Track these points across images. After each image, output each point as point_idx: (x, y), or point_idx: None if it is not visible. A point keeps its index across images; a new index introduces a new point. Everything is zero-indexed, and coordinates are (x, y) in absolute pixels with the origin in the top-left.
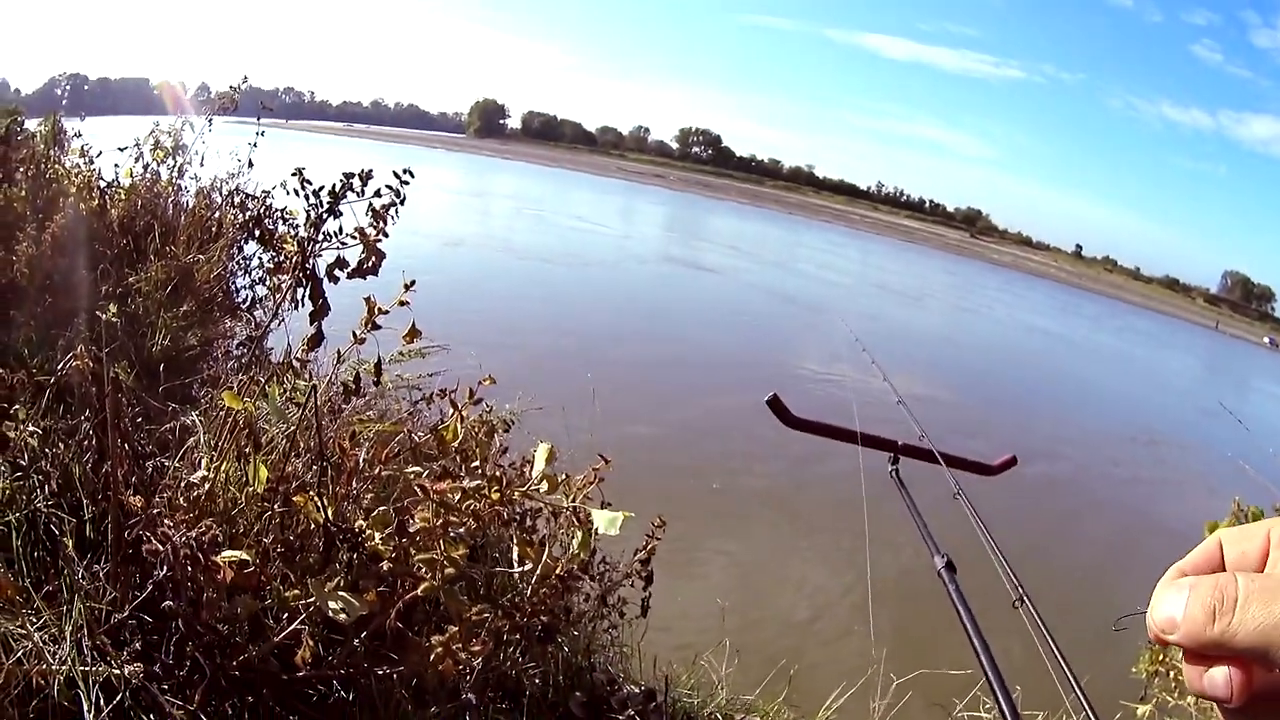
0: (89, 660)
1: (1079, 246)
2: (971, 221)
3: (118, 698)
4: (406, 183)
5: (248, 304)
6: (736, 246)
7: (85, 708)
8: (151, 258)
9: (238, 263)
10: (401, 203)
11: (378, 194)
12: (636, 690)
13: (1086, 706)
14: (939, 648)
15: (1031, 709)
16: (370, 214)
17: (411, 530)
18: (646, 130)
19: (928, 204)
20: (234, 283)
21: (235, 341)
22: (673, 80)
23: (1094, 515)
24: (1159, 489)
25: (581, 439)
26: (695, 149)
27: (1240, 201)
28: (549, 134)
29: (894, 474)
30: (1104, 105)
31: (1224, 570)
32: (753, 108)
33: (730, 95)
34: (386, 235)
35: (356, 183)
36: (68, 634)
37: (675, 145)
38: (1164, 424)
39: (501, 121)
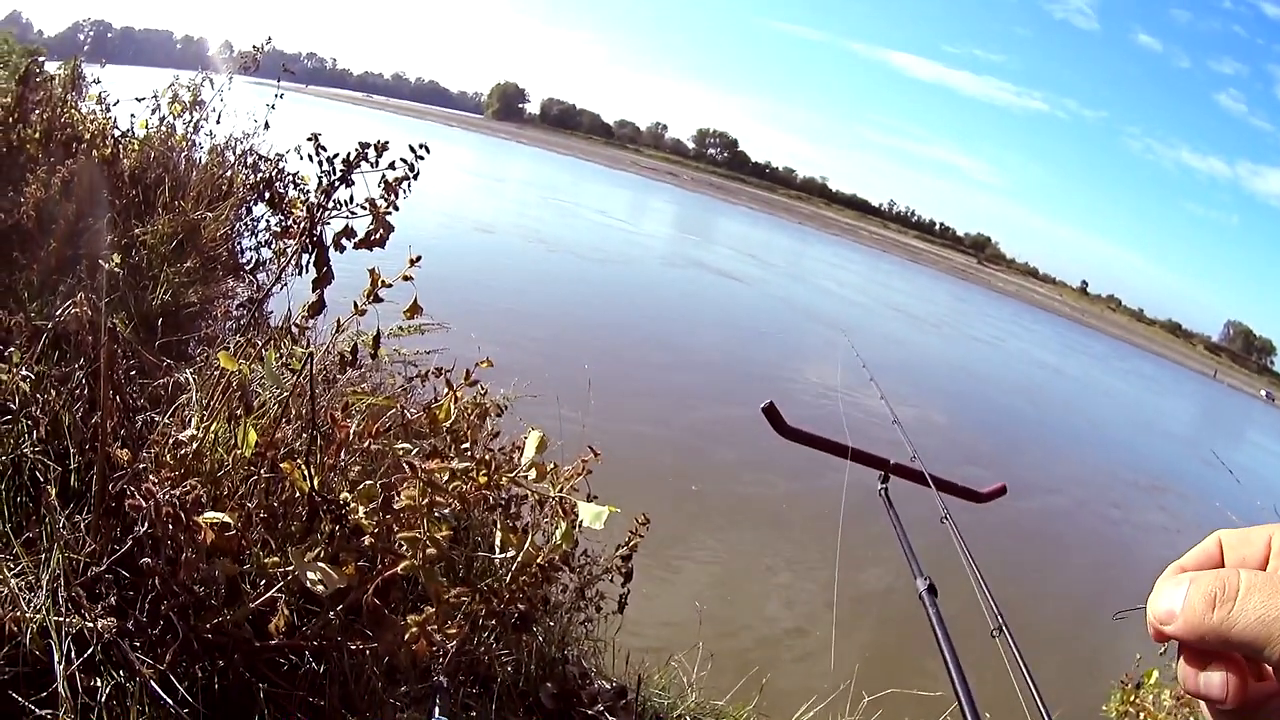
0: (63, 611)
1: (1085, 283)
2: (980, 247)
3: (89, 651)
4: (422, 158)
5: (251, 266)
6: (754, 254)
7: (56, 658)
8: (159, 211)
9: (245, 224)
10: (415, 177)
11: (391, 166)
12: (608, 686)
13: None
14: (914, 668)
15: None
16: (382, 185)
17: (396, 507)
18: (664, 127)
19: (938, 226)
20: (240, 243)
21: (236, 302)
22: (695, 79)
23: (1084, 552)
24: (1153, 534)
25: (577, 430)
26: (711, 150)
27: (1250, 253)
28: (566, 122)
29: (883, 493)
30: (1123, 145)
31: None
32: (772, 114)
33: (751, 100)
34: (397, 208)
35: (371, 153)
36: (44, 583)
37: (691, 145)
38: (1162, 470)
39: (520, 105)
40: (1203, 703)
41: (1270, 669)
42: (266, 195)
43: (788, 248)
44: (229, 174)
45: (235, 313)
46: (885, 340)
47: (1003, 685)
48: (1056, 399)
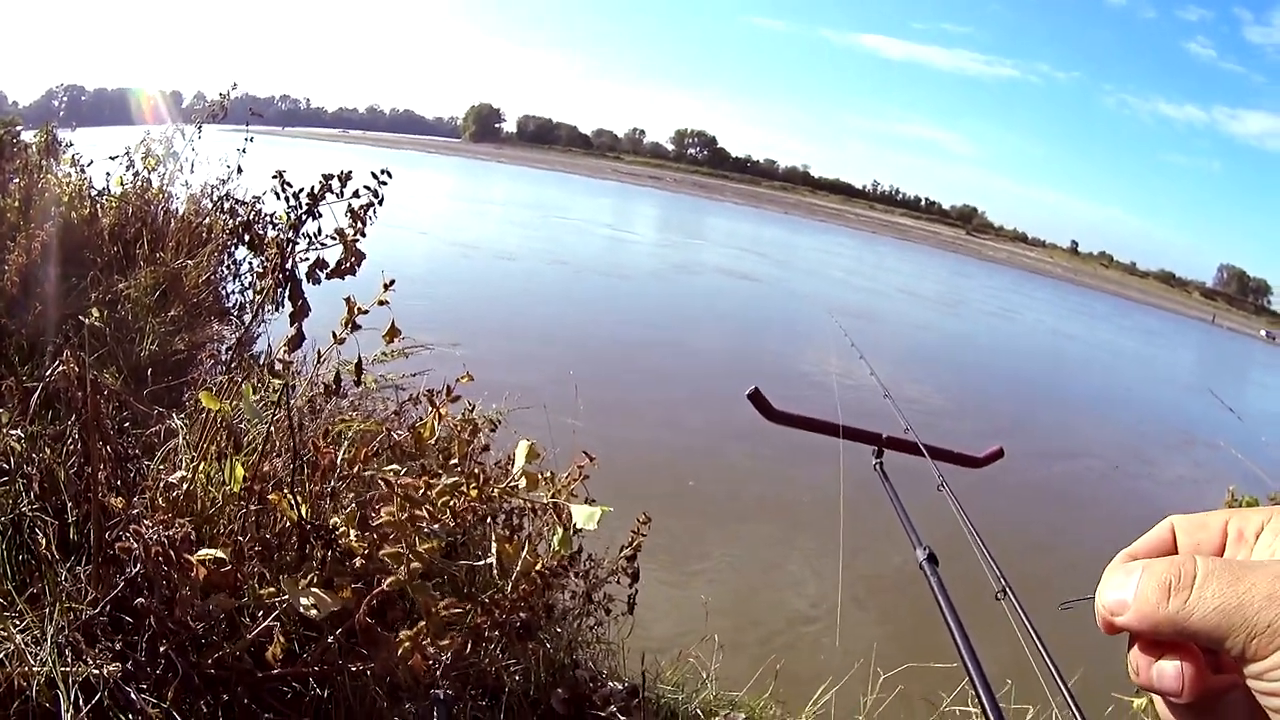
0: (69, 661)
1: (1075, 243)
2: (967, 219)
3: (96, 697)
4: (385, 183)
5: (237, 308)
6: (748, 249)
7: (64, 708)
8: (140, 264)
9: (227, 267)
10: (380, 203)
11: (356, 195)
12: (620, 687)
13: (1068, 698)
14: (930, 641)
15: (1024, 703)
16: (349, 214)
17: (375, 524)
18: (642, 132)
19: (923, 202)
20: (224, 287)
21: (225, 345)
22: (669, 83)
23: (1100, 510)
24: (1170, 487)
25: (577, 438)
26: (691, 150)
27: (1235, 196)
28: (544, 137)
29: (878, 467)
30: (1097, 103)
31: None
32: (748, 109)
33: (726, 97)
34: (364, 235)
35: (336, 184)
36: (49, 635)
37: (671, 147)
38: (1174, 422)
39: (497, 125)
40: (1157, 696)
41: (1231, 660)
42: (246, 238)
43: (777, 239)
44: (207, 221)
45: (224, 356)
46: (903, 323)
47: (1020, 649)
48: (1071, 362)
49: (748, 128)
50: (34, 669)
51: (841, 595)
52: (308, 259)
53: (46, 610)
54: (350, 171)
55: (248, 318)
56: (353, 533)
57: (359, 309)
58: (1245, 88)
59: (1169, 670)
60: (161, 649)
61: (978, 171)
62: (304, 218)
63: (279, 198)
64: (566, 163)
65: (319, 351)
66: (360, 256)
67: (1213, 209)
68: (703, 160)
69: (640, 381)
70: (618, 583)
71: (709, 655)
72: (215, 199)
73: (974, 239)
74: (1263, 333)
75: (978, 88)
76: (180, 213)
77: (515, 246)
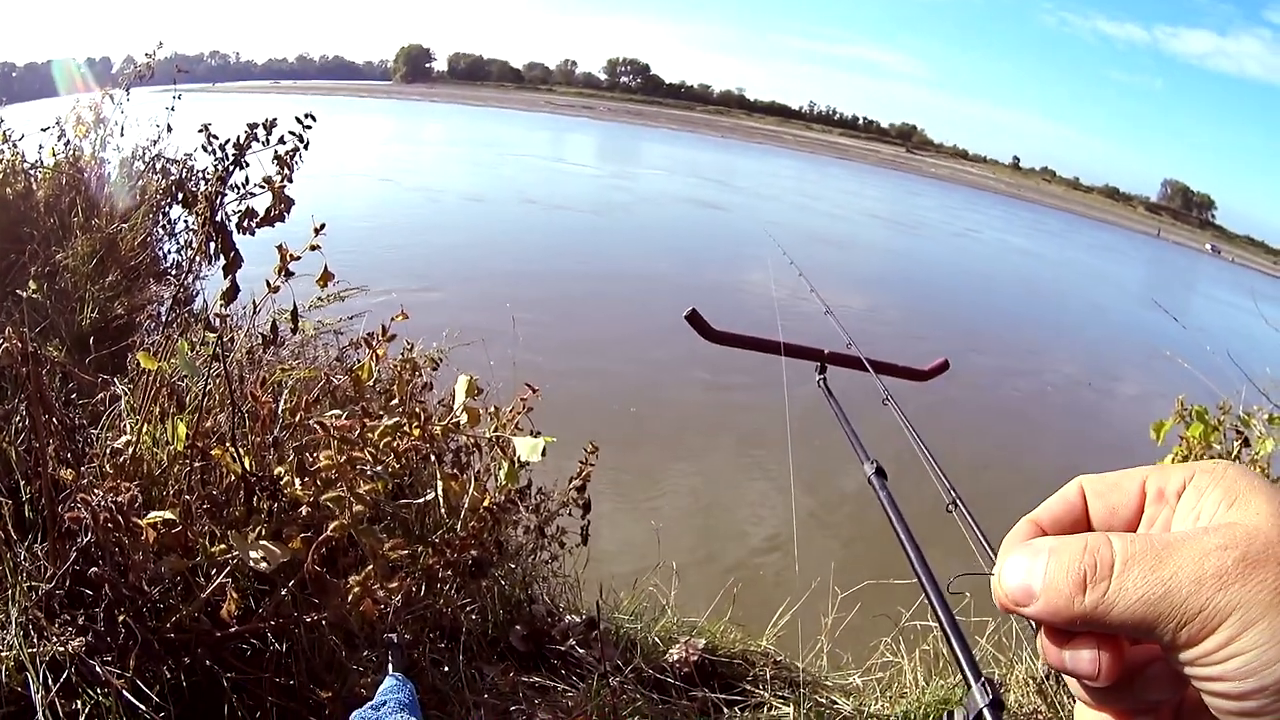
0: (34, 642)
1: (1016, 158)
2: (906, 136)
3: (64, 675)
4: (309, 127)
5: (175, 268)
6: (684, 173)
7: (33, 689)
8: (77, 233)
9: (163, 228)
10: (306, 147)
11: (282, 141)
12: (578, 620)
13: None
14: (886, 558)
15: (983, 616)
16: (276, 161)
17: (314, 469)
18: (574, 64)
19: (861, 121)
20: (161, 248)
21: (164, 306)
22: (601, 7)
23: (1058, 422)
24: (1124, 401)
25: (522, 370)
26: (624, 78)
27: (1177, 114)
28: (476, 74)
29: (822, 383)
30: (1038, 21)
31: (1088, 527)
32: (683, 33)
33: (659, 22)
34: (291, 181)
35: (261, 133)
36: (13, 618)
37: (604, 76)
38: (1121, 335)
39: (428, 65)
40: (1070, 678)
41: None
42: (179, 196)
43: (717, 163)
44: (140, 183)
45: (164, 316)
46: (903, 255)
47: (971, 563)
48: (1034, 280)
49: (683, 50)
50: (1, 654)
51: (796, 513)
52: (239, 210)
53: (9, 592)
54: (275, 119)
55: (185, 276)
56: (297, 481)
57: (291, 255)
58: (1186, 6)
59: (1084, 657)
60: (120, 617)
61: (917, 89)
62: (231, 169)
63: (206, 151)
64: (499, 98)
65: (254, 302)
66: (289, 203)
67: (1155, 126)
68: (636, 88)
69: (585, 312)
70: (570, 514)
71: (668, 584)
72: (147, 160)
73: (914, 157)
74: (1208, 246)
75: (918, 4)
76: (113, 178)
77: (468, 187)
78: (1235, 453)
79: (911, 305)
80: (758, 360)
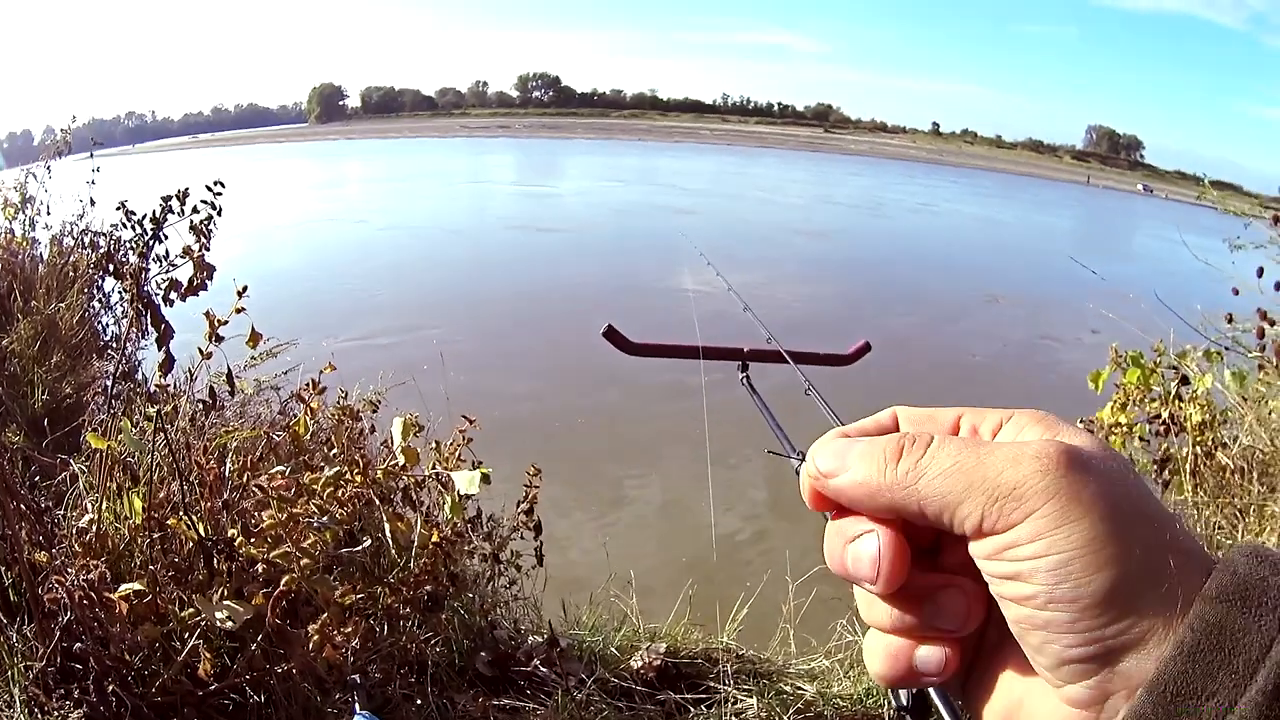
0: (39, 718)
1: (936, 124)
2: (823, 116)
3: None
4: (219, 194)
5: (115, 340)
6: (610, 179)
7: None
8: (19, 317)
9: (99, 302)
10: (219, 213)
11: (196, 210)
12: (540, 640)
13: None
14: None
15: None
16: (192, 231)
17: (259, 530)
18: (485, 84)
19: (776, 107)
20: (100, 323)
21: (110, 381)
22: (507, 24)
23: (988, 393)
24: (1067, 362)
25: (457, 402)
26: (536, 93)
27: (1095, 58)
28: (389, 106)
29: (745, 380)
30: None
31: None
32: (590, 41)
33: (566, 33)
34: (209, 249)
35: (175, 204)
36: (16, 697)
37: (516, 93)
38: (1046, 288)
39: (341, 103)
40: (858, 591)
41: (963, 534)
42: (110, 269)
43: (635, 166)
44: (73, 260)
45: (110, 391)
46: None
47: None
48: (974, 245)
49: (592, 58)
50: None
51: (755, 509)
52: (165, 282)
53: (9, 673)
54: (187, 189)
55: (125, 348)
56: (251, 542)
57: (219, 321)
58: None
59: (865, 555)
60: (109, 688)
61: (829, 68)
62: (151, 243)
63: (125, 227)
64: (415, 128)
65: (190, 371)
66: (210, 270)
67: (1074, 74)
68: (549, 101)
69: (520, 332)
70: (522, 538)
71: (628, 593)
72: (75, 236)
73: (833, 135)
74: (1140, 186)
75: None
76: (45, 256)
77: (390, 219)
78: (1174, 392)
79: (852, 288)
80: (702, 365)
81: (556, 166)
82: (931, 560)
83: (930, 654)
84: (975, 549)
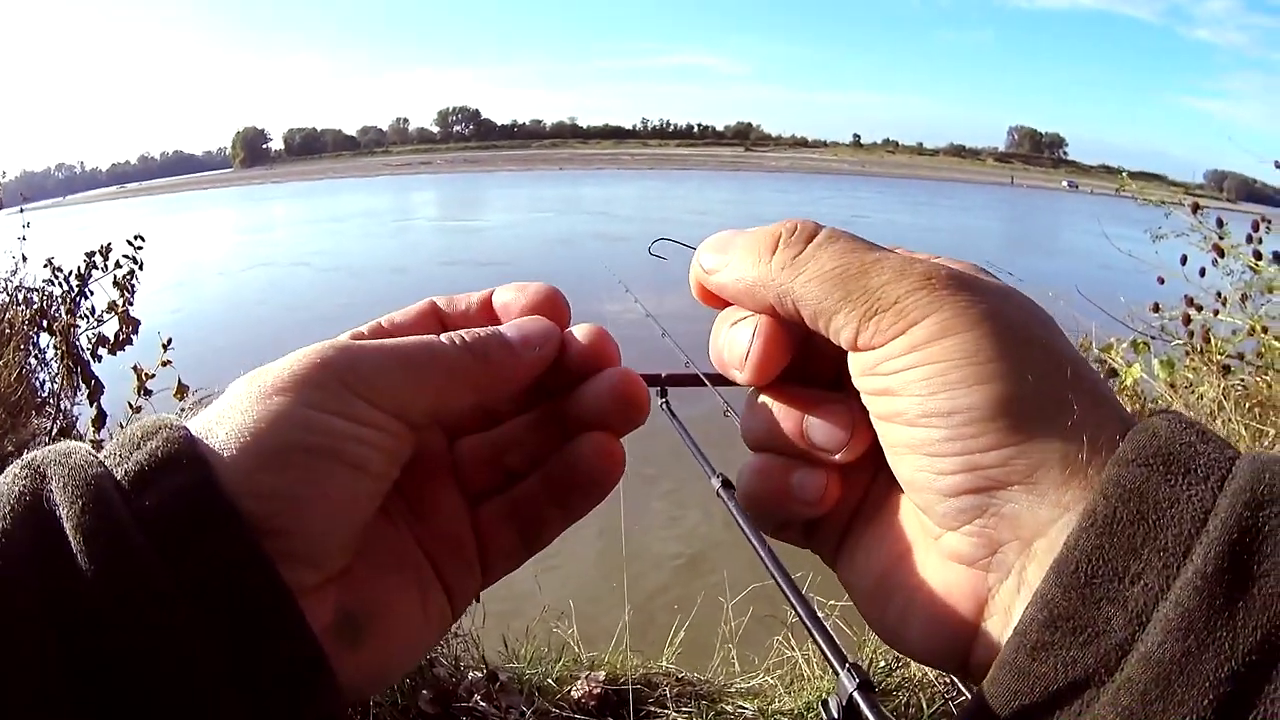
0: None
1: (857, 136)
2: (744, 135)
3: None
4: (140, 248)
5: (52, 396)
6: (547, 212)
7: None
8: None
9: (35, 358)
10: (140, 268)
11: (119, 265)
12: (480, 675)
13: None
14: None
15: (845, 601)
16: (116, 286)
17: None
18: (405, 121)
19: (696, 128)
20: (36, 379)
21: (49, 437)
22: (426, 61)
23: None
24: None
25: None
26: (457, 127)
27: (1013, 60)
28: (312, 147)
29: (664, 406)
30: None
31: None
32: (508, 74)
33: (484, 66)
34: (133, 304)
35: (99, 259)
36: None
37: (436, 129)
38: None
39: (264, 146)
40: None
41: (840, 343)
42: (44, 324)
43: (561, 196)
44: (7, 317)
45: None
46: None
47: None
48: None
49: (511, 91)
50: None
51: (697, 533)
52: (94, 337)
53: None
54: (109, 245)
55: (61, 403)
56: None
57: (146, 374)
58: None
59: (741, 336)
60: None
61: (748, 87)
62: (78, 299)
63: (53, 284)
64: (338, 168)
65: (122, 425)
66: (135, 324)
67: (992, 77)
68: (470, 135)
69: None
70: None
71: (565, 624)
72: (10, 292)
73: (754, 154)
74: (1064, 183)
75: (737, 2)
76: None
77: (327, 260)
78: None
79: None
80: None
81: (484, 200)
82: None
83: (808, 477)
84: (852, 365)
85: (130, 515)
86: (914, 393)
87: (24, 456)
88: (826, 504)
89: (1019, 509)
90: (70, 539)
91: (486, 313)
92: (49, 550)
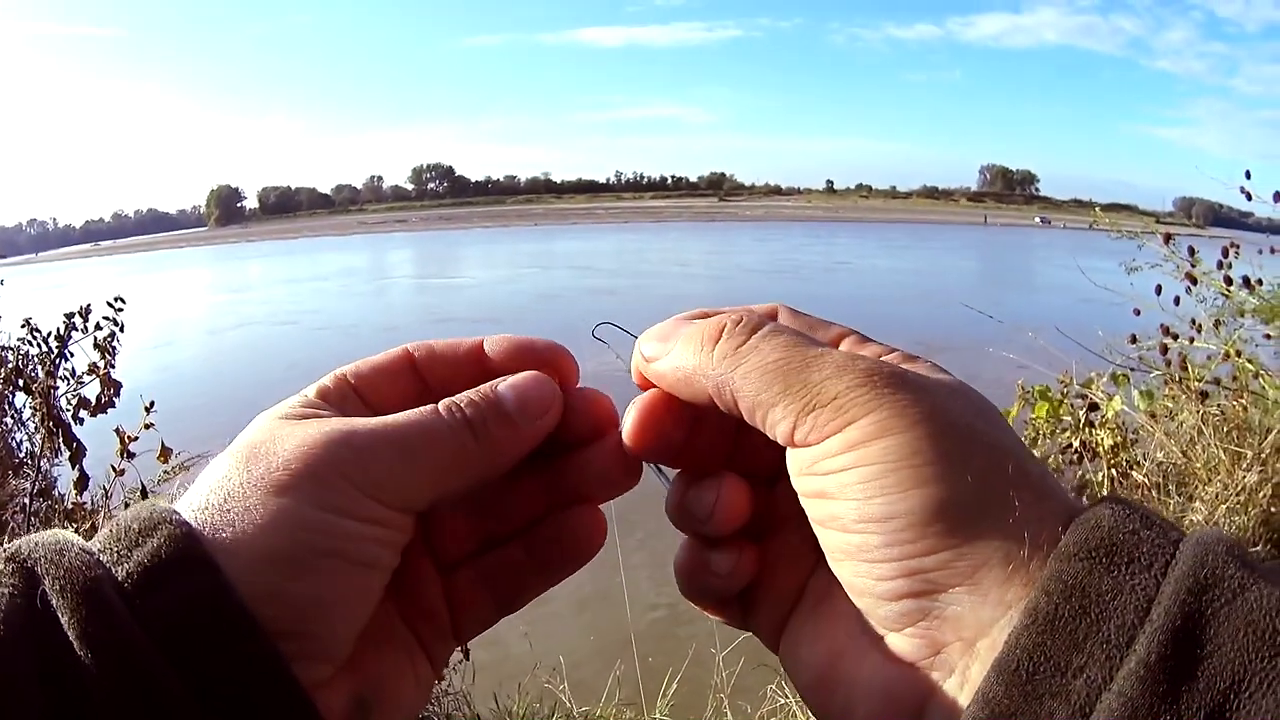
0: None
1: (830, 182)
2: (717, 185)
3: None
4: (121, 310)
5: (29, 456)
6: (503, 268)
7: None
8: None
9: (12, 418)
10: (121, 330)
11: (98, 327)
12: None
13: None
14: None
15: None
16: (97, 349)
17: None
18: (380, 179)
19: (670, 180)
20: (13, 439)
21: (28, 498)
22: (399, 120)
23: None
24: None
25: None
26: (431, 185)
27: (982, 99)
28: (287, 206)
29: (654, 466)
30: (828, 43)
31: None
32: (481, 130)
33: (456, 123)
34: (114, 366)
35: (78, 320)
36: None
37: (411, 187)
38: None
39: (239, 205)
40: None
41: (777, 439)
42: (20, 384)
43: (543, 251)
44: None
45: (29, 508)
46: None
47: None
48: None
49: (485, 147)
50: None
51: (637, 592)
52: (74, 399)
53: None
54: (89, 305)
55: (40, 464)
56: None
57: (129, 437)
58: None
59: (707, 496)
60: None
61: (721, 137)
62: (57, 361)
63: (32, 344)
64: (313, 227)
65: (104, 488)
66: (117, 387)
67: (962, 117)
68: (444, 192)
69: None
70: None
71: (557, 680)
72: None
73: (729, 203)
74: (1036, 219)
75: (704, 55)
76: None
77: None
78: (1084, 420)
79: None
80: None
81: (463, 257)
82: (769, 490)
83: (719, 553)
84: (790, 463)
85: (137, 623)
86: (850, 496)
87: (6, 548)
88: (737, 579)
89: (961, 610)
90: (76, 649)
91: (475, 366)
92: (53, 662)
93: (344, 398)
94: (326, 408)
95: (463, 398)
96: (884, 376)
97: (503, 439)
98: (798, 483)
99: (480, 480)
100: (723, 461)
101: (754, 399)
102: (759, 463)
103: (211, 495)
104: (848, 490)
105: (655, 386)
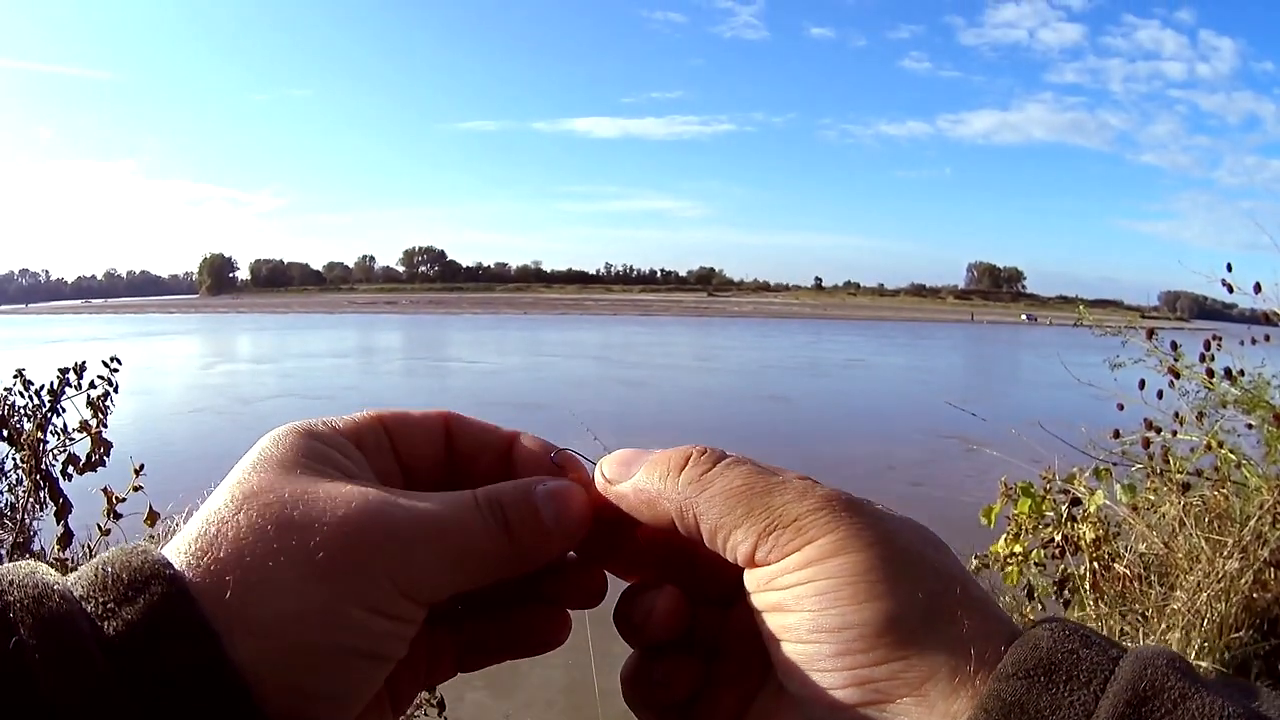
0: None
1: (818, 279)
2: (706, 280)
3: None
4: (116, 370)
5: (9, 508)
6: (487, 360)
7: None
8: None
9: None
10: (115, 390)
11: (93, 385)
12: None
13: None
14: None
15: None
16: (89, 406)
17: None
18: (372, 259)
19: (659, 274)
20: None
21: (7, 552)
22: (391, 202)
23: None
24: (957, 492)
25: None
26: (422, 267)
27: (971, 196)
28: (278, 280)
29: None
30: (819, 139)
31: None
32: (473, 215)
33: (448, 205)
34: (106, 425)
35: (72, 376)
36: None
37: (402, 268)
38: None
39: (231, 275)
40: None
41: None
42: (4, 434)
43: (517, 339)
44: None
45: (11, 560)
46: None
47: None
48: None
49: (476, 233)
50: None
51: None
52: (63, 455)
53: None
54: (84, 363)
55: (20, 518)
56: None
57: (116, 498)
58: (965, 90)
59: (659, 603)
60: None
61: (711, 231)
62: (49, 415)
63: (23, 396)
64: (303, 303)
65: (87, 546)
66: (107, 446)
67: (951, 213)
68: (435, 276)
69: None
70: (425, 715)
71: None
72: None
73: (717, 299)
74: (1023, 316)
75: (696, 149)
76: None
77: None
78: (1066, 515)
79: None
80: None
81: (457, 341)
82: (722, 612)
83: (659, 665)
84: (748, 581)
85: (124, 688)
86: (806, 608)
87: None
88: (674, 690)
89: None
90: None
91: (502, 462)
92: None
93: (378, 444)
94: (355, 454)
95: (502, 495)
96: (842, 502)
97: (534, 548)
98: (755, 598)
99: (499, 580)
100: (671, 578)
101: (716, 522)
102: (712, 586)
103: (225, 550)
104: (804, 602)
105: (613, 510)
